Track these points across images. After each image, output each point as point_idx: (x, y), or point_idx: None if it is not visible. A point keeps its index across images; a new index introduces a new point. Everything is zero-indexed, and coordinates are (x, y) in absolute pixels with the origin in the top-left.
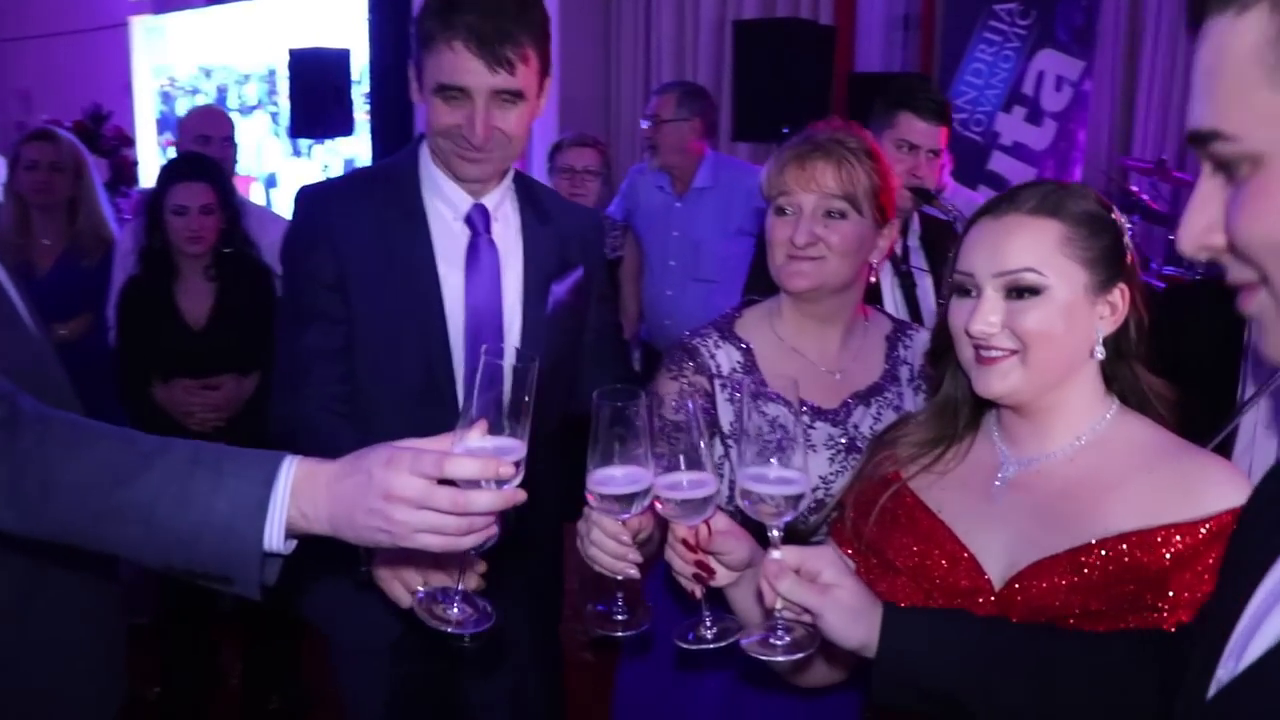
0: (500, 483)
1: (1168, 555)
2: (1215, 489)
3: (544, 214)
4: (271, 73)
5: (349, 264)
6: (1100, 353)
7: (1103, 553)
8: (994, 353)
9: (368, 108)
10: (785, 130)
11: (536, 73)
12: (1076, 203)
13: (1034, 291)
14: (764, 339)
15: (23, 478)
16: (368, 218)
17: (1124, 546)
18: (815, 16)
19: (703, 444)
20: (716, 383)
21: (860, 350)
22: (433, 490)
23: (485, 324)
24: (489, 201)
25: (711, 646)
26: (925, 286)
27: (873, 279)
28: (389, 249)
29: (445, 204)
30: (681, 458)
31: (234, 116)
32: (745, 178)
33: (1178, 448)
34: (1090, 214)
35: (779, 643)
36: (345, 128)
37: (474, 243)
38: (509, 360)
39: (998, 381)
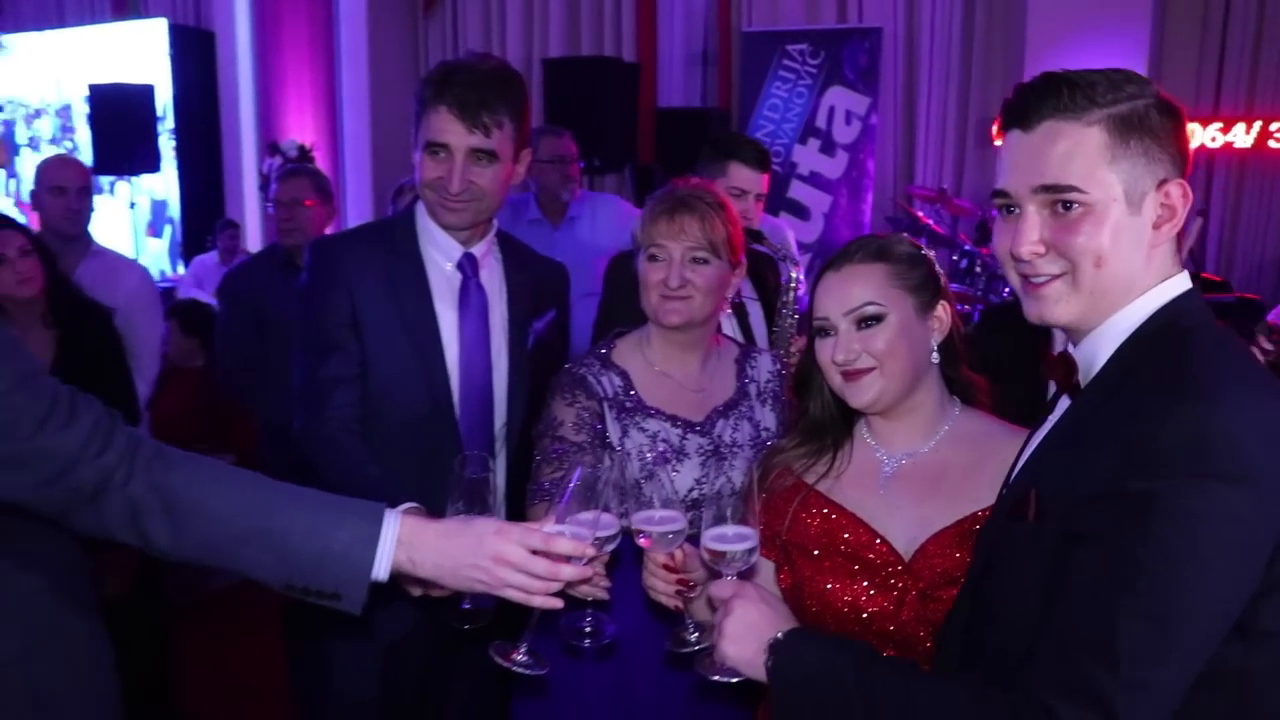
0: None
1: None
2: None
3: (521, 264)
4: (66, 107)
5: (362, 306)
6: (936, 357)
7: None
8: (858, 373)
9: (174, 144)
10: (596, 162)
11: (510, 140)
12: (895, 247)
13: (877, 319)
14: (637, 365)
15: (174, 505)
16: (376, 265)
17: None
18: (618, 54)
19: (666, 480)
20: (605, 404)
21: (716, 371)
22: (531, 560)
23: (476, 356)
24: (476, 251)
25: (697, 648)
26: (755, 313)
27: (726, 311)
28: (395, 292)
29: (440, 252)
30: (654, 499)
31: (25, 152)
32: (606, 205)
33: (1012, 432)
34: (908, 254)
35: None
36: (151, 164)
37: (465, 286)
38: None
39: (864, 393)
